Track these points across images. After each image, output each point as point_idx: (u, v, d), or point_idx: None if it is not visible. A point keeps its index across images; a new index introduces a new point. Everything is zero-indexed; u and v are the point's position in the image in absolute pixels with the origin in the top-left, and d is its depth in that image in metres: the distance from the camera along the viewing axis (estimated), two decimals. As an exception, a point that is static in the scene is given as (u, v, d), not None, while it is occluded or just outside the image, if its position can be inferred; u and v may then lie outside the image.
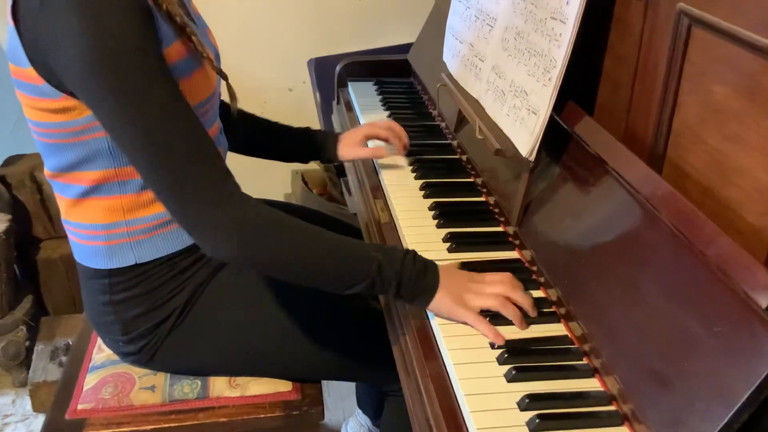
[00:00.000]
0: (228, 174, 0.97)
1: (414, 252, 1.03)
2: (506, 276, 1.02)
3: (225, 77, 1.10)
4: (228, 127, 1.39)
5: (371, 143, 1.47)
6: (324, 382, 1.31)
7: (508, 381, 0.90)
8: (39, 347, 1.96)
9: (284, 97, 2.55)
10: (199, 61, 1.04)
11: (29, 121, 1.04)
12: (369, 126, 1.46)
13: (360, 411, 1.82)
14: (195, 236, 0.96)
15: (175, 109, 0.93)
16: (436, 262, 1.04)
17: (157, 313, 1.15)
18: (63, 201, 1.11)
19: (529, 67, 1.12)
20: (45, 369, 1.89)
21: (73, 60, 0.89)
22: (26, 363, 1.98)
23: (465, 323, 0.99)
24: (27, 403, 1.94)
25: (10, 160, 2.22)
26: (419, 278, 1.00)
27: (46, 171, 1.09)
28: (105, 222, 1.09)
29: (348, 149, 1.44)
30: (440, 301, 0.99)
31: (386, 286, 0.99)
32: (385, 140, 1.45)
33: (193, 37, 1.01)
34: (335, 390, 2.06)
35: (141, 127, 0.91)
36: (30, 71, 0.96)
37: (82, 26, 0.87)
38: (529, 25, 1.14)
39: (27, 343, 2.00)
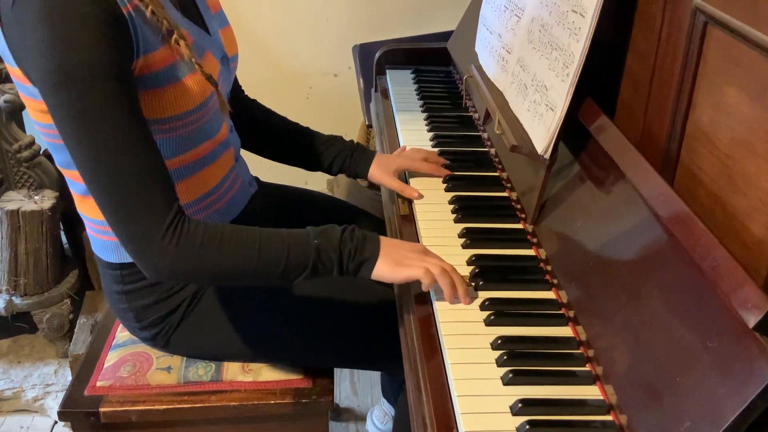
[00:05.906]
0: (172, 202, 0.95)
1: (354, 227, 1.03)
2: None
3: (215, 85, 1.06)
4: (247, 127, 1.35)
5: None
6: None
7: (504, 384, 0.88)
8: (81, 320, 2.03)
9: (329, 83, 2.55)
10: (191, 66, 1.01)
11: (32, 120, 1.04)
12: (404, 159, 1.36)
13: (384, 400, 1.82)
14: (134, 259, 0.96)
15: (128, 135, 0.90)
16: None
17: (167, 303, 1.17)
18: (74, 196, 1.13)
19: (551, 61, 1.09)
20: (85, 342, 1.95)
21: (35, 66, 0.89)
22: (69, 335, 2.05)
23: (417, 279, 1.01)
24: (68, 373, 2.01)
25: (61, 140, 2.29)
26: (359, 250, 1.01)
27: (57, 166, 1.12)
28: None
29: (380, 174, 1.35)
30: (382, 265, 1.01)
31: (328, 266, 1.00)
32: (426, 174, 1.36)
33: (181, 42, 0.98)
34: (365, 376, 2.07)
35: (90, 150, 0.90)
36: (17, 71, 0.96)
37: (46, 35, 0.86)
38: (553, 17, 1.11)
39: (71, 316, 2.07)
